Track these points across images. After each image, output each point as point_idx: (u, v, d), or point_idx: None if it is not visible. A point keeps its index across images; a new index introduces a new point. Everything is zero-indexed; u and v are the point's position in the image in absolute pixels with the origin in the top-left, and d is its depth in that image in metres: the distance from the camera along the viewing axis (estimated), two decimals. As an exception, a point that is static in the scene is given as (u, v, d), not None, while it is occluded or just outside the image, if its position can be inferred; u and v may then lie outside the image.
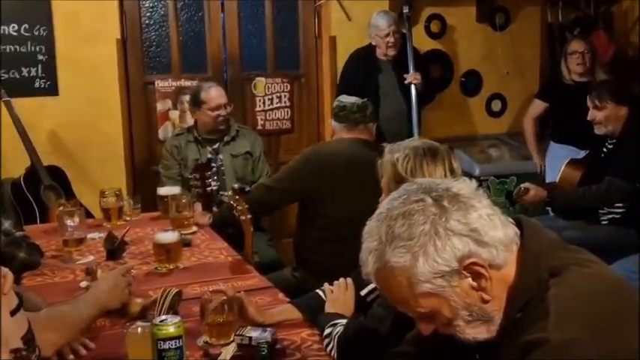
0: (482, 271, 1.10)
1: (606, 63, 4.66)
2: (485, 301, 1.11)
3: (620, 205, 3.31)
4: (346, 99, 2.92)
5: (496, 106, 4.97)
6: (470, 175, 4.44)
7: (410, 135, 4.09)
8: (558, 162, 3.77)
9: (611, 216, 3.35)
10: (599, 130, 3.41)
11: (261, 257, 3.17)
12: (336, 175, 2.69)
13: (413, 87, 4.08)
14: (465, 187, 1.15)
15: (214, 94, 3.51)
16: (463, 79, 4.89)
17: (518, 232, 1.17)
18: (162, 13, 4.31)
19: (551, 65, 4.83)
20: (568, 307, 1.05)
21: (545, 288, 1.10)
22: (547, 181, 4.11)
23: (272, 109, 4.54)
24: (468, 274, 1.09)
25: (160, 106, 4.31)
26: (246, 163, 3.60)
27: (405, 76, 4.10)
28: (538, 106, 4.37)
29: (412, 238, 1.08)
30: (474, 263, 1.09)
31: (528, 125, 4.43)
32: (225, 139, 3.57)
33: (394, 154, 1.78)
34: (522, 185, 3.46)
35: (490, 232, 1.10)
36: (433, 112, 4.76)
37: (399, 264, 1.08)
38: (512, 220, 1.18)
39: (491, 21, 4.79)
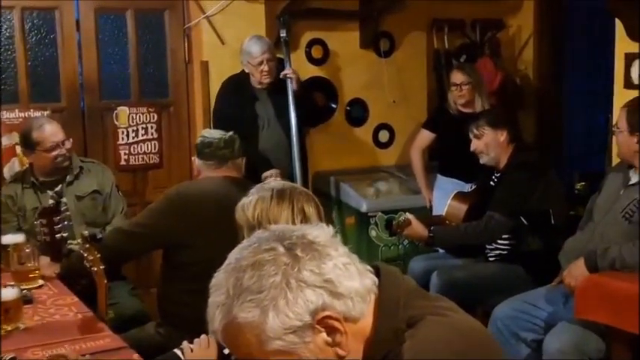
0: (337, 325, 1.12)
1: (493, 91, 4.97)
2: (340, 357, 1.14)
3: (506, 242, 3.51)
4: (211, 134, 2.94)
5: (383, 136, 5.15)
6: (357, 212, 4.57)
7: (291, 168, 4.16)
8: (446, 196, 3.94)
9: (497, 252, 3.54)
10: (483, 160, 3.63)
11: (121, 310, 3.09)
12: (203, 219, 2.67)
13: (292, 115, 4.14)
14: (321, 233, 1.18)
15: (48, 131, 3.36)
16: (348, 107, 5.05)
17: (377, 280, 1.22)
18: (7, 35, 4.17)
19: (439, 93, 5.08)
20: None
21: (402, 340, 1.15)
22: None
23: (137, 142, 4.48)
24: (322, 329, 1.11)
25: (6, 141, 4.14)
26: (94, 203, 3.49)
27: (282, 73, 4.16)
28: (425, 137, 4.56)
29: (262, 291, 1.09)
30: (328, 317, 1.11)
31: (416, 157, 4.60)
32: (68, 179, 3.44)
33: (248, 198, 1.81)
34: (404, 216, 3.58)
35: (346, 282, 1.13)
36: (319, 143, 4.87)
37: (247, 319, 1.09)
38: (370, 268, 1.23)
39: (376, 47, 4.99)
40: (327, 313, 1.11)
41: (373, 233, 4.54)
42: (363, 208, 4.55)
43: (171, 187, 3.02)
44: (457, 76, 4.36)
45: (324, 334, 1.12)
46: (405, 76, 5.11)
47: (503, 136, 3.55)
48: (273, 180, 2.55)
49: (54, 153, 3.37)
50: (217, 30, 4.44)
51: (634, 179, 2.93)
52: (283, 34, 4.28)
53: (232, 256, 1.17)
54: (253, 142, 4.15)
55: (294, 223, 1.75)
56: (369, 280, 1.19)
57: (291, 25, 4.42)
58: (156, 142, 4.53)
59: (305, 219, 1.78)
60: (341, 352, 1.13)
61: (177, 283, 2.73)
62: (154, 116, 4.51)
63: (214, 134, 2.91)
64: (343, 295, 1.13)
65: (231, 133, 2.94)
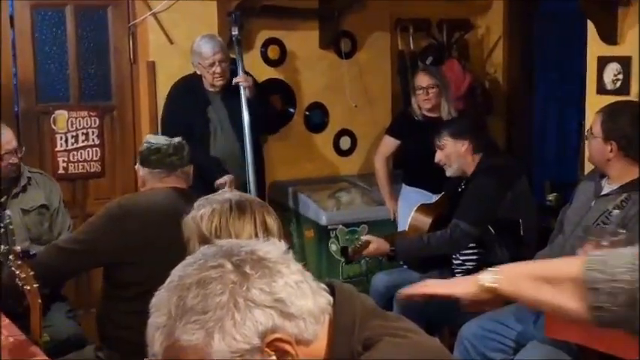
0: (289, 348, 1.11)
1: (461, 95, 5.03)
2: None
3: (473, 254, 3.55)
4: (157, 139, 2.92)
5: (345, 143, 5.18)
6: (317, 224, 4.58)
7: (246, 177, 4.15)
8: (411, 207, 3.97)
9: (465, 267, 3.58)
10: (448, 172, 3.68)
11: (57, 333, 3.06)
12: (147, 235, 2.64)
13: (246, 117, 4.13)
14: (272, 249, 1.18)
15: (3, 139, 3.33)
16: (307, 112, 5.06)
17: (331, 300, 1.22)
18: None
19: (403, 97, 5.12)
20: None
21: None
22: (399, 229, 4.31)
23: (77, 149, 4.43)
24: (272, 352, 1.11)
25: None
26: (41, 219, 3.45)
27: (234, 79, 4.16)
28: (389, 144, 4.58)
29: (207, 312, 1.08)
30: (278, 339, 1.11)
31: (380, 165, 4.61)
32: (14, 190, 3.41)
33: (200, 210, 1.80)
34: (362, 238, 3.59)
35: (298, 302, 1.13)
36: (276, 150, 4.87)
37: (190, 342, 1.08)
38: (324, 287, 1.23)
39: (337, 47, 5.01)
40: (277, 335, 1.11)
41: (334, 247, 4.55)
42: (323, 220, 4.55)
43: (113, 200, 2.98)
44: (422, 79, 4.40)
45: (273, 358, 1.11)
46: (367, 79, 5.14)
47: (464, 146, 3.59)
48: (227, 189, 2.54)
49: (4, 162, 3.33)
50: (165, 28, 4.41)
51: (606, 189, 2.99)
52: (235, 32, 4.26)
53: (175, 273, 1.16)
54: (204, 149, 4.13)
55: (256, 237, 1.75)
56: (324, 299, 1.19)
57: (244, 23, 4.42)
58: (97, 149, 4.48)
59: (267, 233, 1.78)
60: None
61: (118, 304, 2.70)
62: (95, 121, 4.46)
63: (160, 140, 2.90)
64: (295, 316, 1.13)
65: (179, 139, 2.93)
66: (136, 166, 2.95)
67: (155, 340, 1.12)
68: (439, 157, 3.66)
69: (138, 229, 2.65)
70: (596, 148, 2.96)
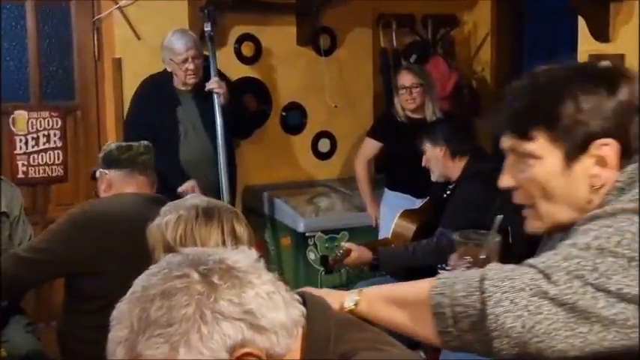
0: None
1: (446, 95, 5.05)
2: None
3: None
4: (119, 143, 2.91)
5: (324, 146, 5.17)
6: (294, 232, 4.57)
7: (217, 182, 4.13)
8: (394, 213, 3.97)
9: (451, 277, 3.58)
10: (433, 177, 3.70)
11: (15, 349, 3.03)
12: (113, 244, 2.61)
13: (219, 119, 4.11)
14: (242, 258, 1.17)
15: None
16: (284, 113, 5.05)
17: (305, 311, 1.21)
18: None
19: (386, 97, 5.12)
20: None
21: None
22: (381, 236, 4.31)
23: (38, 152, 4.40)
24: None
25: None
26: (0, 227, 3.41)
27: (207, 84, 4.14)
28: (371, 147, 4.59)
29: (172, 324, 1.07)
30: (248, 354, 1.09)
31: (361, 169, 4.62)
32: (-27, 197, 3.37)
33: (165, 217, 1.79)
34: (343, 245, 3.59)
35: (269, 314, 1.12)
36: (250, 153, 4.86)
37: (154, 357, 1.07)
38: (298, 297, 1.22)
39: (315, 44, 5.02)
40: (247, 349, 1.10)
41: (312, 256, 4.54)
42: (301, 227, 4.54)
43: (76, 206, 2.96)
44: (406, 78, 4.41)
45: None
46: (348, 78, 5.15)
47: (442, 151, 3.63)
48: (191, 195, 2.53)
49: None
50: (132, 23, 4.40)
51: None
52: (208, 28, 4.25)
53: (138, 283, 1.14)
54: (172, 152, 4.11)
55: (224, 245, 1.74)
56: (297, 310, 1.18)
57: (217, 18, 4.41)
58: (59, 152, 4.45)
59: (236, 241, 1.77)
60: None
61: (81, 318, 2.68)
62: (57, 122, 4.44)
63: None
64: (266, 329, 1.12)
65: (145, 143, 2.93)
66: (98, 173, 2.92)
67: (116, 355, 1.10)
68: (424, 161, 3.71)
69: (102, 238, 2.62)
70: None
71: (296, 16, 4.95)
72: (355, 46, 5.15)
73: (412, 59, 5.23)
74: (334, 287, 4.50)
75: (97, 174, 2.94)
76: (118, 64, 4.43)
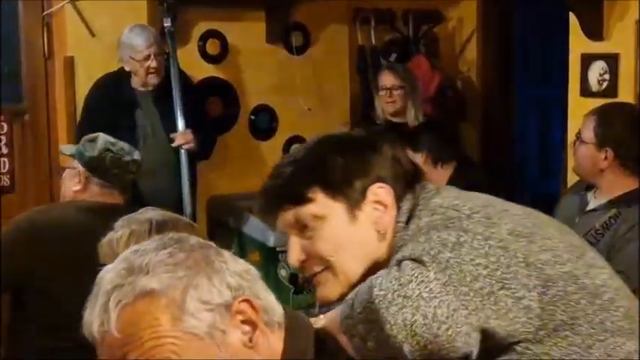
0: (255, 318, 1.19)
1: (430, 97, 5.10)
2: None
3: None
4: (118, 147, 2.95)
5: (296, 152, 5.19)
6: (263, 246, 4.58)
7: (179, 194, 4.15)
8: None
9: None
10: None
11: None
12: (63, 257, 2.62)
13: (181, 123, 4.13)
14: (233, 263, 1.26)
15: None
16: (252, 116, 5.07)
17: (283, 317, 1.28)
18: None
19: (364, 99, 5.16)
20: None
21: None
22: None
23: (-19, 160, 4.39)
24: (240, 320, 1.18)
25: None
26: None
27: (171, 136, 4.16)
28: (348, 153, 4.62)
29: (177, 264, 1.16)
30: (248, 301, 1.19)
31: (336, 177, 4.65)
32: None
33: (118, 231, 1.82)
34: None
35: (263, 292, 1.24)
36: (216, 160, 4.85)
37: (160, 289, 1.14)
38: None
39: (286, 42, 5.04)
40: (247, 296, 1.19)
41: (283, 273, 4.55)
42: (271, 241, 4.54)
43: (23, 213, 2.96)
44: (386, 79, 4.46)
45: (240, 333, 1.18)
46: (322, 78, 5.18)
47: (423, 158, 3.69)
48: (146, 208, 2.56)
49: None
50: (86, 18, 4.40)
51: (592, 204, 3.05)
52: (167, 23, 4.27)
53: (123, 258, 1.21)
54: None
55: None
56: (280, 309, 1.28)
57: (179, 12, 4.44)
58: (6, 160, 4.45)
59: None
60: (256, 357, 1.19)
61: (27, 339, 2.68)
62: (2, 127, 4.43)
63: (124, 149, 2.96)
64: (261, 299, 1.22)
65: (137, 153, 2.99)
66: (75, 165, 2.92)
67: (108, 309, 1.14)
68: None
69: (51, 250, 2.63)
70: (586, 155, 2.96)
71: (265, 12, 4.97)
72: (330, 43, 5.19)
73: (392, 58, 5.26)
74: (305, 308, 4.57)
75: (68, 172, 2.94)
76: (70, 63, 4.43)
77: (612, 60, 3.54)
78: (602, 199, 3.01)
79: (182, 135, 4.15)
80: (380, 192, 1.55)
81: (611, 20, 3.51)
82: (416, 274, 1.37)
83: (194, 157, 4.31)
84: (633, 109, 3.06)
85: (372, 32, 5.27)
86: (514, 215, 1.55)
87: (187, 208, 4.11)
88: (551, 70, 5.58)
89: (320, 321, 1.50)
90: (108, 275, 1.17)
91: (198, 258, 1.17)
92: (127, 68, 4.18)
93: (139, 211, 1.92)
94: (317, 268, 1.57)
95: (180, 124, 4.16)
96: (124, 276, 1.14)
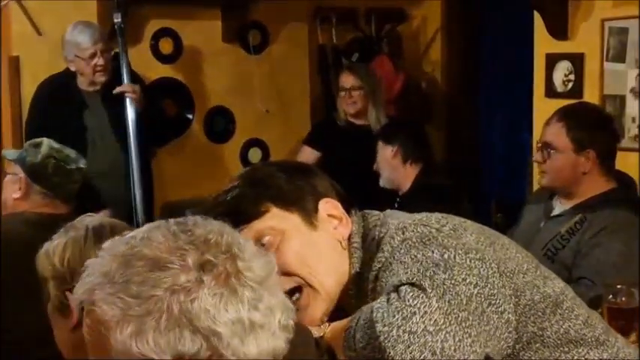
0: None
1: (393, 98, 5.10)
2: None
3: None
4: (61, 152, 2.92)
5: (255, 155, 5.17)
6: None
7: (132, 198, 4.11)
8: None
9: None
10: (381, 182, 3.81)
11: None
12: (12, 271, 2.58)
13: (132, 125, 4.09)
14: (260, 266, 1.15)
15: None
16: (209, 119, 5.05)
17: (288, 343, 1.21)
18: None
19: (325, 100, 5.16)
20: None
21: None
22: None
23: None
24: None
25: None
26: None
27: (116, 89, 4.11)
28: (308, 156, 4.61)
29: (137, 297, 1.08)
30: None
31: (297, 182, 4.64)
32: None
33: (55, 241, 1.78)
34: None
35: (239, 347, 1.10)
36: (169, 165, 4.83)
37: (103, 313, 1.08)
38: (291, 325, 1.24)
39: (244, 41, 5.03)
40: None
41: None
42: (228, 249, 4.53)
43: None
44: (345, 79, 4.46)
45: None
46: (281, 79, 5.17)
47: (393, 152, 3.74)
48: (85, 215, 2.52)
49: None
50: (31, 16, 4.38)
51: (557, 210, 3.06)
52: (118, 19, 4.21)
53: (147, 229, 1.15)
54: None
55: None
56: (281, 342, 1.15)
57: (130, 9, 4.41)
58: (-54, 166, 4.38)
59: None
60: None
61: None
62: (-57, 129, 4.36)
63: (70, 156, 2.93)
64: (225, 357, 1.10)
65: (82, 165, 2.94)
66: (17, 170, 2.88)
67: (78, 287, 1.12)
68: (375, 165, 3.85)
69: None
70: (565, 164, 2.94)
71: (222, 9, 4.95)
72: (289, 43, 5.18)
73: (354, 58, 5.27)
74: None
75: (10, 178, 2.90)
76: (15, 63, 4.41)
77: (577, 60, 3.56)
78: (567, 204, 3.02)
79: (128, 85, 4.12)
80: (329, 206, 1.60)
81: (576, 19, 3.54)
82: (418, 305, 1.38)
83: (146, 144, 4.26)
84: (596, 108, 3.09)
85: (334, 31, 5.27)
86: (471, 225, 1.59)
87: (140, 216, 4.06)
88: (516, 70, 5.60)
89: (322, 329, 1.51)
90: (107, 251, 1.14)
91: (159, 299, 1.07)
92: (72, 68, 4.15)
93: (78, 219, 1.88)
94: (293, 283, 1.56)
95: (125, 72, 4.14)
96: (105, 271, 1.11)
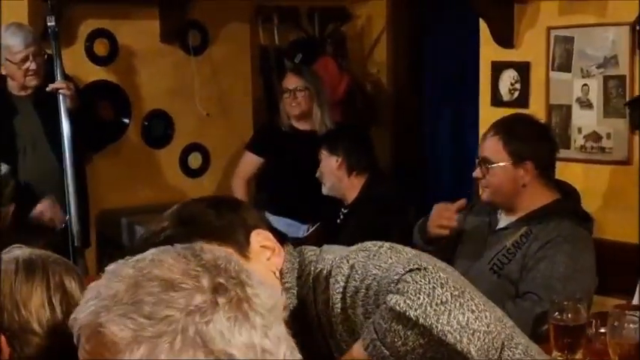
0: None
1: (338, 100, 5.13)
2: None
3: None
4: None
5: (195, 161, 5.18)
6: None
7: (66, 206, 4.09)
8: (274, 243, 4.01)
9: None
10: (323, 190, 3.82)
11: None
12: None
13: (66, 130, 4.06)
14: (265, 295, 1.16)
15: None
16: (146, 122, 5.04)
17: None
18: None
19: (268, 104, 5.18)
20: None
21: None
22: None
23: None
24: None
25: None
26: None
27: (50, 86, 4.07)
28: (251, 162, 4.63)
29: (150, 318, 1.07)
30: None
31: (239, 189, 4.63)
32: None
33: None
34: None
35: None
36: (105, 170, 4.80)
37: (113, 336, 1.06)
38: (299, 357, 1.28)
39: (183, 41, 5.02)
40: None
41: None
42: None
43: None
44: (289, 80, 4.48)
45: None
46: (222, 81, 5.17)
47: (337, 162, 3.79)
48: (13, 247, 2.51)
49: None
50: (-41, 17, 4.31)
51: (502, 222, 3.09)
52: (51, 22, 4.18)
53: (155, 251, 1.15)
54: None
55: (50, 303, 1.73)
56: None
57: (63, 10, 4.39)
58: None
59: (66, 296, 1.76)
60: None
61: None
62: None
63: None
64: None
65: (5, 168, 2.89)
66: None
67: (78, 311, 1.10)
68: (318, 172, 3.88)
69: None
70: (504, 177, 2.97)
71: (159, 9, 4.94)
72: (230, 43, 5.18)
73: (297, 59, 5.28)
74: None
75: None
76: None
77: (523, 68, 3.62)
78: (512, 216, 3.06)
79: (61, 82, 4.08)
80: (261, 237, 1.68)
81: (522, 27, 3.59)
82: (433, 280, 1.53)
83: (81, 150, 4.24)
84: (532, 118, 3.13)
85: (276, 31, 5.30)
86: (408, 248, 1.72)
87: (75, 224, 4.04)
88: (462, 73, 5.66)
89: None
90: (113, 276, 1.12)
91: (175, 321, 1.07)
92: (2, 72, 4.11)
93: (6, 250, 1.87)
94: None
95: (58, 72, 4.10)
96: (112, 294, 1.09)
